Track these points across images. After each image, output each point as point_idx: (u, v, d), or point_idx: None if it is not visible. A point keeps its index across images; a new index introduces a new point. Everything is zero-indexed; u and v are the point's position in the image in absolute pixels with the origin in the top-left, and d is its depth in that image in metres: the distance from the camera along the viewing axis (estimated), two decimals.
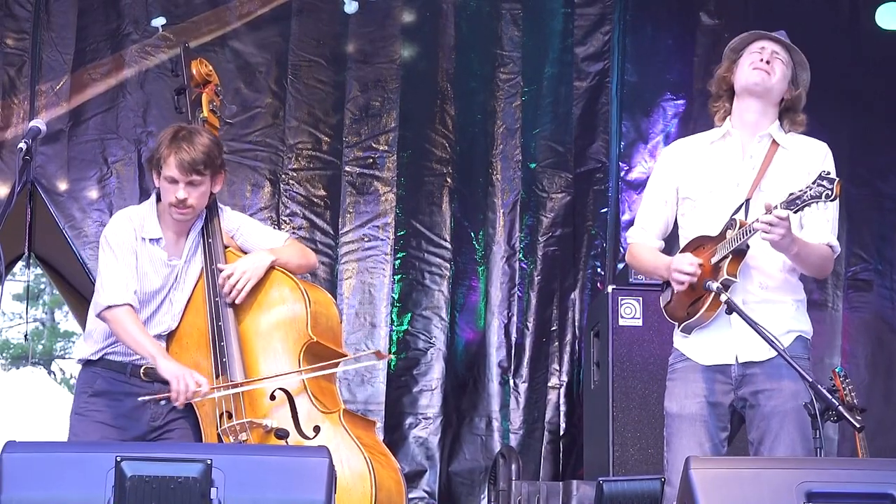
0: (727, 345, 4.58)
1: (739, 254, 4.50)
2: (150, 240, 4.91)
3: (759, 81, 4.67)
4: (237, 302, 4.90)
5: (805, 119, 4.72)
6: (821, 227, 4.59)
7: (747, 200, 4.59)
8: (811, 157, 4.65)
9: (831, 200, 4.27)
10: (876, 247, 7.14)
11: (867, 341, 7.13)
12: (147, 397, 4.72)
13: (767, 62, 4.67)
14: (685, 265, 4.54)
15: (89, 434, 4.80)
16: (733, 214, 4.56)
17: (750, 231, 4.42)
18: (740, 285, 4.52)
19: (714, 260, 4.52)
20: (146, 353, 4.77)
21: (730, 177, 4.66)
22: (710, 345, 4.61)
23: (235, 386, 4.77)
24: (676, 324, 4.68)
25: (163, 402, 4.72)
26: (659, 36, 7.36)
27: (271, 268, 4.96)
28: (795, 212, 4.32)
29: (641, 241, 4.82)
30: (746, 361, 4.54)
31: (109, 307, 4.82)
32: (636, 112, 7.31)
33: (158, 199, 4.96)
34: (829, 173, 4.28)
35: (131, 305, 4.82)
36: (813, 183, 4.27)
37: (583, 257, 7.23)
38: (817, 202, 4.27)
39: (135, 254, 4.89)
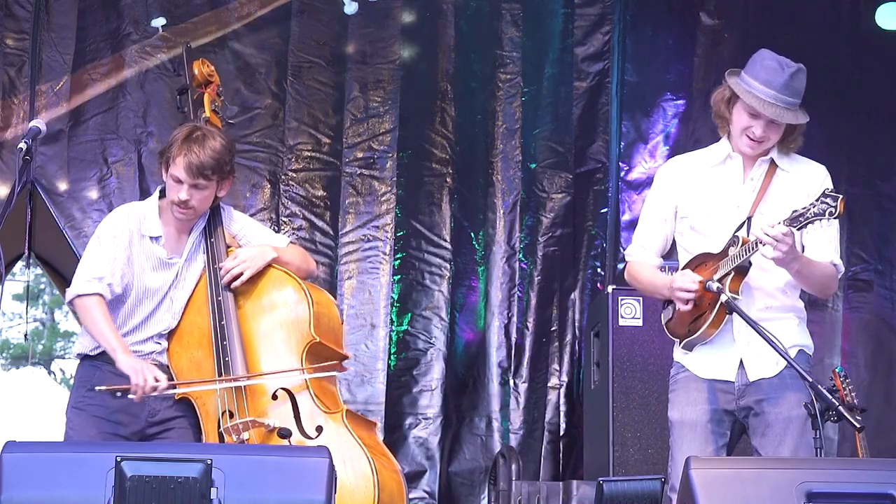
0: (730, 361, 4.59)
1: (742, 271, 4.51)
2: (150, 238, 4.91)
3: (751, 153, 4.66)
4: (233, 286, 4.89)
5: (801, 140, 4.68)
6: (823, 246, 4.58)
7: (749, 218, 4.58)
8: (810, 180, 4.65)
9: (835, 218, 4.26)
10: (876, 247, 7.14)
11: (867, 341, 7.13)
12: (104, 387, 4.72)
13: (760, 140, 4.61)
14: (687, 283, 4.54)
15: (87, 428, 4.80)
16: (735, 231, 4.56)
17: (754, 247, 4.41)
18: (744, 305, 4.52)
19: (716, 277, 4.52)
20: (107, 345, 4.77)
21: (730, 200, 4.66)
22: (712, 360, 4.63)
23: (190, 384, 4.78)
24: (677, 341, 4.69)
25: (119, 395, 4.72)
26: (659, 36, 7.36)
27: (272, 267, 4.96)
28: (798, 229, 4.31)
29: (641, 260, 4.82)
30: (756, 379, 4.55)
31: (79, 295, 4.84)
32: (636, 112, 7.30)
33: (161, 196, 4.96)
34: (832, 191, 4.27)
35: (101, 296, 4.81)
36: (816, 200, 4.27)
37: (583, 257, 7.23)
38: (821, 220, 4.26)
39: (127, 249, 4.88)
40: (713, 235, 4.64)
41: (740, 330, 4.53)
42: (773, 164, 4.66)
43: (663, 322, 4.76)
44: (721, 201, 4.67)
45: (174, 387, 4.79)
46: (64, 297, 10.05)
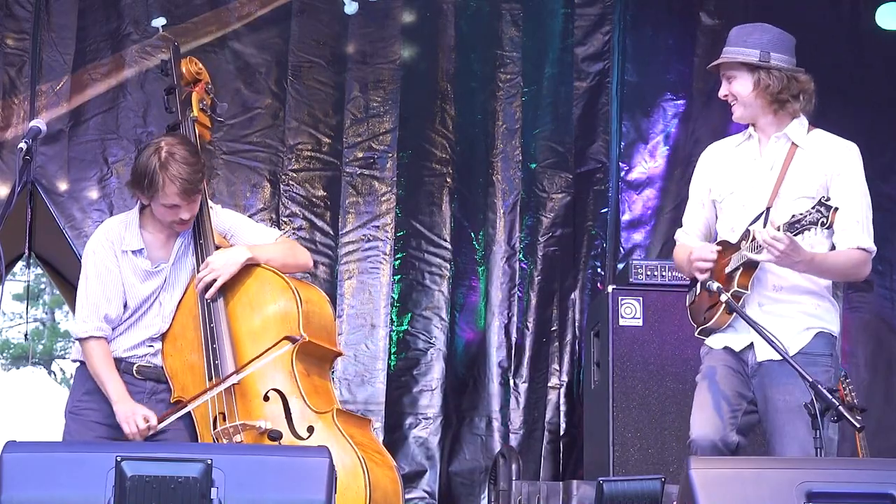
0: (741, 341, 4.63)
1: (751, 266, 4.53)
2: (132, 252, 4.91)
3: (737, 118, 4.74)
4: (207, 297, 4.88)
5: (795, 106, 4.67)
6: (848, 230, 4.55)
7: (768, 209, 4.60)
8: (830, 159, 4.63)
9: (827, 228, 4.28)
10: (876, 247, 7.13)
11: (867, 341, 7.13)
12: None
13: (728, 100, 4.71)
14: (706, 253, 4.60)
15: (84, 434, 4.81)
16: (750, 224, 4.58)
17: (756, 248, 4.45)
18: (755, 288, 4.55)
19: (727, 270, 4.57)
20: (106, 390, 4.80)
21: (748, 178, 4.69)
22: (727, 336, 4.67)
23: (181, 408, 4.77)
24: (696, 326, 4.74)
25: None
26: (659, 36, 7.36)
27: (256, 265, 4.94)
28: (795, 234, 4.33)
29: (682, 242, 4.90)
30: (764, 360, 4.56)
31: (80, 339, 4.87)
32: (636, 112, 7.31)
33: (142, 207, 4.95)
34: (828, 199, 4.28)
35: (101, 338, 4.84)
36: (812, 208, 4.29)
37: (583, 257, 7.23)
38: (814, 228, 4.28)
39: (116, 268, 4.88)
40: (734, 216, 4.69)
41: (753, 310, 4.54)
42: (793, 145, 4.66)
43: (687, 304, 4.83)
44: (740, 180, 4.71)
45: (164, 419, 4.76)
46: (64, 297, 10.08)
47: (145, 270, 4.91)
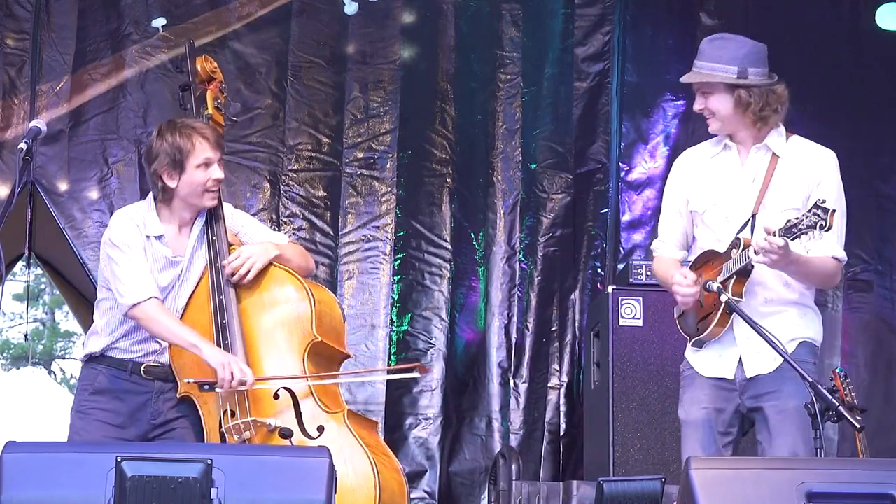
0: (731, 358, 4.62)
1: (744, 274, 4.53)
2: (155, 237, 4.90)
3: (712, 130, 4.71)
4: (244, 282, 4.88)
5: (776, 119, 4.65)
6: (824, 239, 4.54)
7: (753, 216, 4.60)
8: (811, 167, 4.63)
9: (825, 231, 4.27)
10: (876, 247, 7.14)
11: (867, 341, 7.13)
12: (192, 380, 4.70)
13: (703, 113, 4.69)
14: (684, 289, 4.58)
15: (90, 432, 4.79)
16: (738, 232, 4.57)
17: (752, 253, 4.44)
18: (746, 300, 4.55)
19: (720, 279, 4.55)
20: (187, 342, 4.73)
21: (730, 189, 4.67)
22: (715, 359, 4.65)
23: (278, 379, 4.76)
24: (688, 338, 4.72)
25: (206, 388, 4.69)
26: (659, 36, 7.36)
27: (273, 265, 4.95)
28: (792, 239, 4.33)
29: (661, 254, 4.86)
30: (754, 375, 4.56)
31: (136, 304, 4.78)
32: (636, 112, 7.31)
33: (155, 198, 4.95)
34: (824, 202, 4.27)
35: (157, 298, 4.79)
36: (808, 212, 4.28)
37: (583, 258, 7.23)
38: (812, 231, 4.27)
39: (144, 251, 4.87)
40: (718, 228, 4.66)
41: (740, 325, 4.55)
42: (774, 156, 4.65)
43: (675, 317, 4.81)
44: (722, 192, 4.69)
45: (260, 381, 4.73)
46: (64, 297, 10.08)
47: (166, 258, 4.89)
